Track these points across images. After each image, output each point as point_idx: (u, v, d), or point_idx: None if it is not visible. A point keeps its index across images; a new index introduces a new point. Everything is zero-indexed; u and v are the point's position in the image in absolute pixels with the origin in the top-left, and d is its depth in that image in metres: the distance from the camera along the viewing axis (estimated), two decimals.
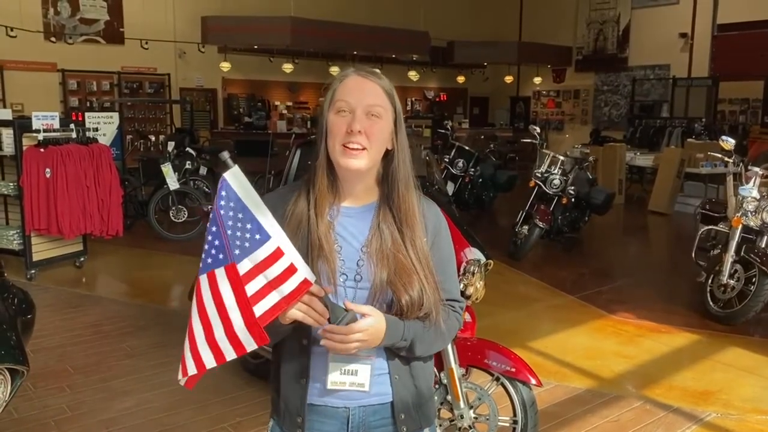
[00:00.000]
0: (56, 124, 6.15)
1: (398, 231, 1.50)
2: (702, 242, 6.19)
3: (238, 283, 1.32)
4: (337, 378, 1.49)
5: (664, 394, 3.96)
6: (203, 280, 1.36)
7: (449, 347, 2.66)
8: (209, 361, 1.38)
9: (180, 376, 1.43)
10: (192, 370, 1.40)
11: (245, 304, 1.32)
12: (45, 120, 6.05)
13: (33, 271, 6.17)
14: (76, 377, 4.06)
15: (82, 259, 6.68)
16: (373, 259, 1.47)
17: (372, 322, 1.38)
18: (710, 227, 6.08)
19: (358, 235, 1.50)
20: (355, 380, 1.49)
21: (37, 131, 5.97)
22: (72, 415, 3.57)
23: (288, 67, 15.09)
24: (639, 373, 4.33)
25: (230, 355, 1.35)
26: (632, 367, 4.42)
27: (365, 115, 1.44)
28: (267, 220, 1.32)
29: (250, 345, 1.34)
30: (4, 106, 11.42)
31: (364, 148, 1.44)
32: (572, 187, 7.54)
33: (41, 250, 6.27)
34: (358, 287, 1.47)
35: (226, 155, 1.36)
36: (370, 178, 1.52)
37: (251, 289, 1.32)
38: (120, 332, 4.90)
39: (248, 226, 1.31)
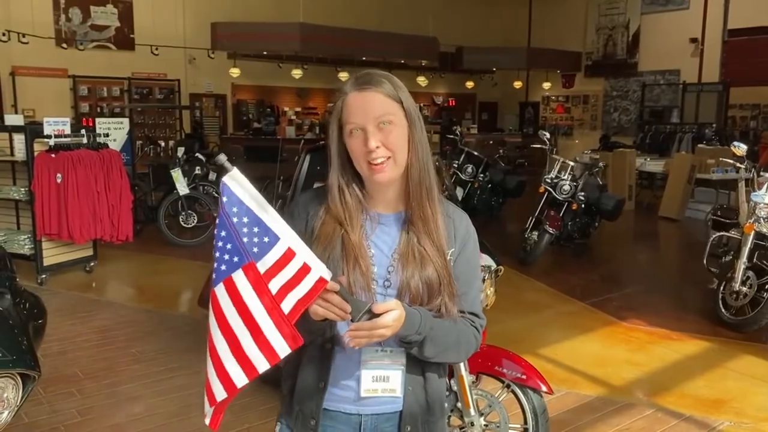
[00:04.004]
0: (67, 130, 6.19)
1: (424, 236, 1.49)
2: (713, 249, 6.14)
3: (260, 282, 1.25)
4: (369, 385, 1.49)
5: (676, 402, 3.93)
6: (220, 290, 1.28)
7: None
8: (240, 379, 1.28)
9: (207, 408, 1.32)
10: (221, 394, 1.30)
11: (271, 304, 1.25)
12: (56, 126, 6.09)
13: (44, 276, 6.20)
14: (85, 382, 4.07)
15: (92, 264, 6.70)
16: (401, 265, 1.48)
17: (396, 315, 1.36)
18: (722, 233, 6.03)
19: (390, 242, 1.51)
20: (387, 386, 1.49)
21: (49, 137, 6.01)
22: (82, 420, 3.58)
23: (297, 73, 15.15)
24: (650, 380, 4.29)
25: (262, 365, 1.28)
26: (643, 374, 4.38)
27: (377, 128, 1.42)
28: (274, 221, 1.27)
29: (284, 350, 1.26)
30: (16, 112, 11.50)
31: (388, 158, 1.43)
32: (582, 193, 7.50)
33: (52, 254, 6.30)
34: (387, 293, 1.47)
35: (223, 158, 1.31)
36: (401, 184, 1.51)
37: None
38: (129, 337, 4.91)
39: (255, 229, 1.26)
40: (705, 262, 6.16)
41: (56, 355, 4.45)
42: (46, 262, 6.24)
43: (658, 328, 5.25)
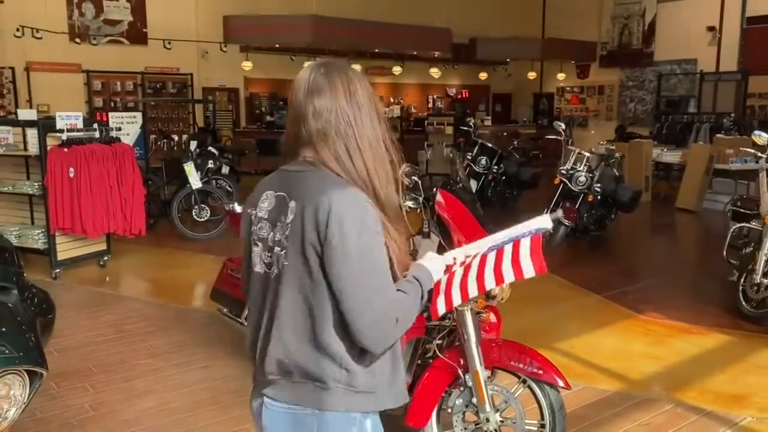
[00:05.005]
0: (79, 124, 6.19)
1: None
2: (733, 240, 6.02)
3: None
4: None
5: (697, 397, 3.84)
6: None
7: (474, 349, 2.58)
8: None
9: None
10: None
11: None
12: (68, 120, 6.09)
13: (57, 270, 6.21)
14: (98, 376, 4.06)
15: (105, 258, 6.71)
16: None
17: None
18: (742, 224, 5.91)
19: None
20: None
21: (61, 131, 6.01)
22: (94, 415, 3.57)
23: None
24: (669, 375, 4.21)
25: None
26: (662, 368, 4.30)
27: None
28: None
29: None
30: (31, 107, 11.57)
31: None
32: (598, 185, 7.41)
33: (65, 249, 6.31)
34: None
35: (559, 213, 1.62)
36: None
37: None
38: (142, 331, 4.90)
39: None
40: (724, 253, 6.05)
41: (69, 350, 4.45)
42: (60, 256, 6.25)
43: (677, 322, 5.15)
